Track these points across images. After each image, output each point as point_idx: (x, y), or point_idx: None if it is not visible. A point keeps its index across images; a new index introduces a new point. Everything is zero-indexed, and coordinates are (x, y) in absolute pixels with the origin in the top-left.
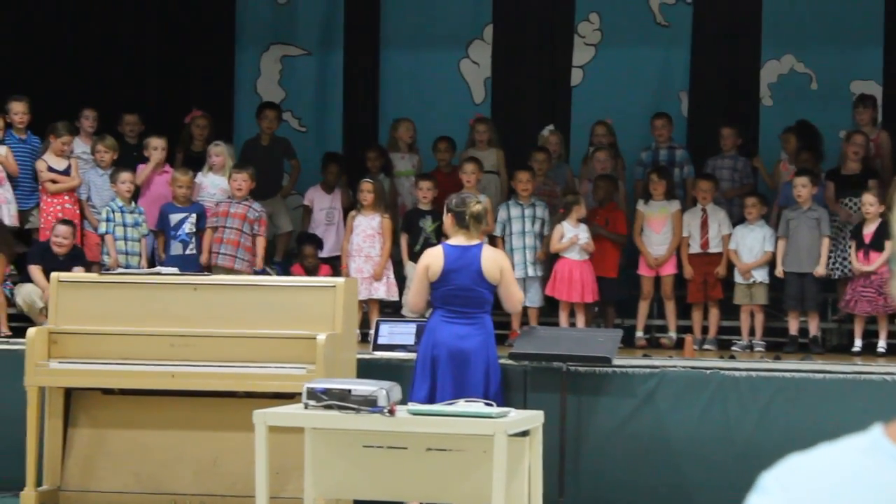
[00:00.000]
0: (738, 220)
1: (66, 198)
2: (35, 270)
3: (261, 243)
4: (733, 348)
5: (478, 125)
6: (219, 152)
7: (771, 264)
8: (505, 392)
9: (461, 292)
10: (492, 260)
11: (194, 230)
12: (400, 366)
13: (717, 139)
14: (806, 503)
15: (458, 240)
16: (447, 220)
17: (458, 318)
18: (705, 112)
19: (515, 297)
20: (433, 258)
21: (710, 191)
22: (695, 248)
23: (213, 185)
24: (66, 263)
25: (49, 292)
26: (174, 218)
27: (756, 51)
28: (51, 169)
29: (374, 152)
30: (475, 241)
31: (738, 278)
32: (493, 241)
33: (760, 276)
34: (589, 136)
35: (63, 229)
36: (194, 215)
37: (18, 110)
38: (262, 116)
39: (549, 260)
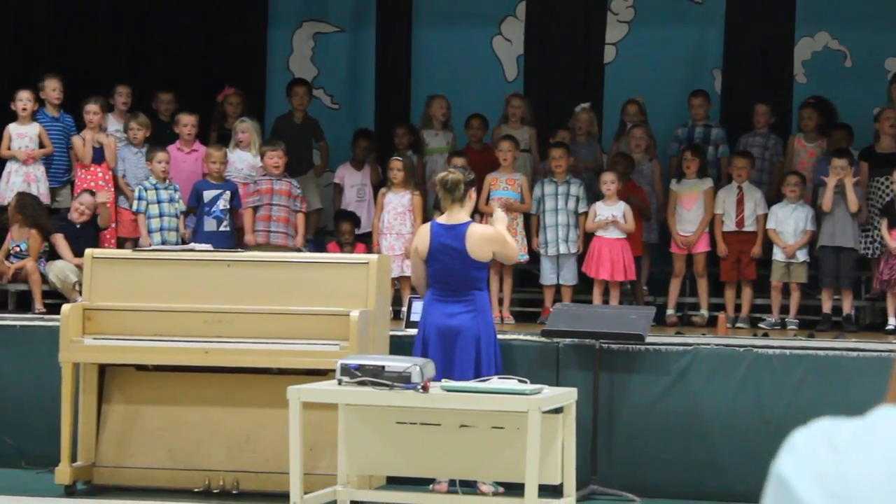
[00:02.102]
0: (767, 198)
1: (100, 174)
2: (58, 238)
3: (301, 220)
4: (761, 325)
5: (513, 100)
6: (245, 128)
7: (811, 243)
8: (519, 367)
9: (448, 272)
10: (478, 240)
11: (228, 207)
12: None
13: (751, 117)
14: (834, 461)
15: (446, 217)
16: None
17: (449, 296)
18: (739, 90)
19: (512, 255)
20: (421, 238)
21: (745, 168)
22: (729, 225)
23: (241, 160)
24: (83, 233)
25: (72, 260)
26: (208, 194)
27: (790, 28)
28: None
29: (402, 129)
30: (464, 219)
31: (777, 256)
32: (527, 219)
33: (801, 254)
34: (620, 114)
35: (87, 198)
36: (228, 192)
37: (55, 87)
38: (292, 93)
39: (587, 238)
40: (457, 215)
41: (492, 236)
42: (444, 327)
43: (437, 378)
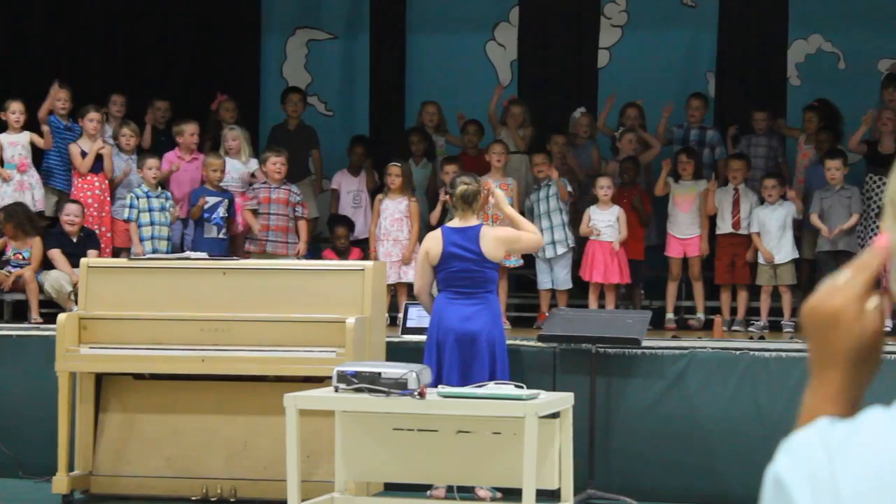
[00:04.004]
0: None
1: (97, 183)
2: (55, 253)
3: (303, 226)
4: (750, 328)
5: (512, 107)
6: (234, 136)
7: (797, 240)
8: (515, 373)
9: (464, 273)
10: (492, 241)
11: (227, 215)
12: None
13: (745, 119)
14: (827, 463)
15: (456, 221)
16: (448, 202)
17: (464, 298)
18: (733, 92)
19: (531, 244)
20: (432, 242)
21: (741, 170)
22: (724, 227)
23: (234, 169)
24: (80, 245)
25: (71, 273)
26: (209, 201)
27: (783, 30)
28: (84, 154)
29: (417, 136)
30: (474, 222)
31: (760, 259)
32: None
33: (786, 254)
34: (618, 117)
35: (73, 208)
36: (227, 200)
37: (60, 97)
38: (286, 101)
39: (580, 242)
40: (468, 219)
41: (503, 237)
42: (461, 332)
43: (453, 383)
